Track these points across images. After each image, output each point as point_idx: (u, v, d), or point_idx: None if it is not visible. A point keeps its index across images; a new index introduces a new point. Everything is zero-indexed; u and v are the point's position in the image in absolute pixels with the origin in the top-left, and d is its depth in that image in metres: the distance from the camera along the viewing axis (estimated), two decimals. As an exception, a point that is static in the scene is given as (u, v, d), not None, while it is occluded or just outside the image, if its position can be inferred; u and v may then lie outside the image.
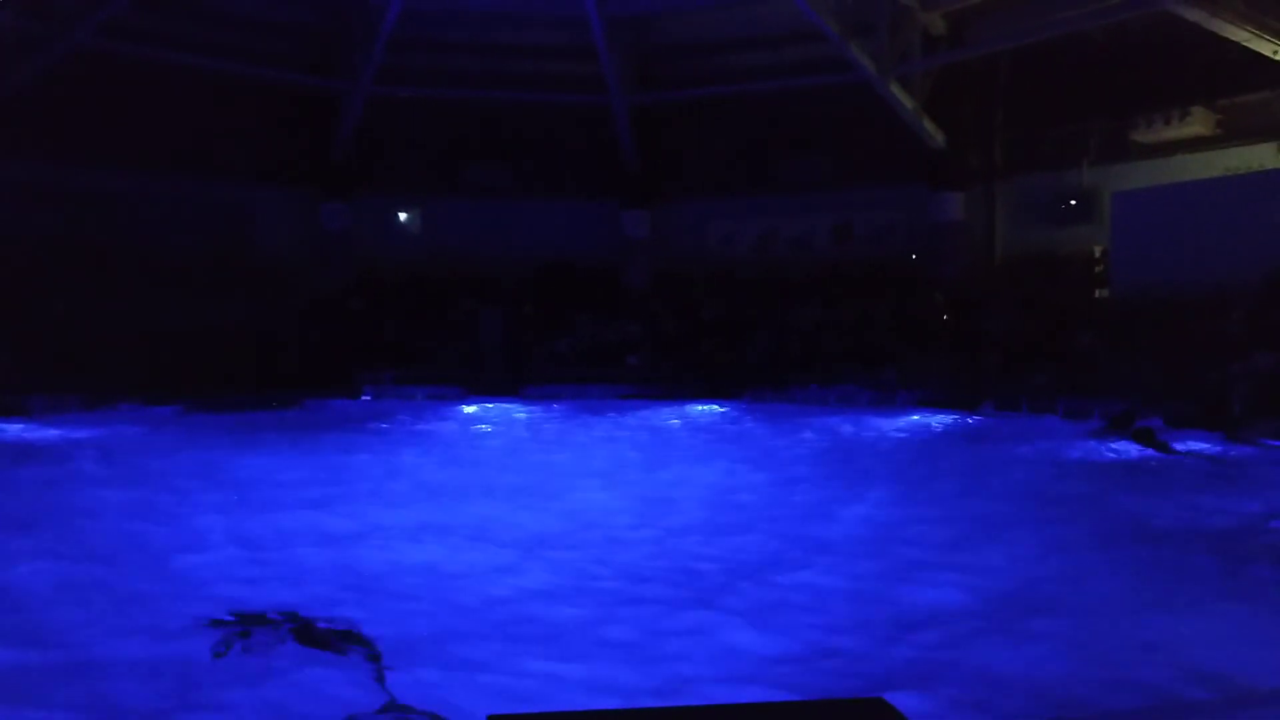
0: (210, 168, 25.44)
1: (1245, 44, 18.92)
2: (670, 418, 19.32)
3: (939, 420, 18.35)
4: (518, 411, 20.79)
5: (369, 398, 23.07)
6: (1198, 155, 21.18)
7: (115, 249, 23.63)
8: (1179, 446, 13.86)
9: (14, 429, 16.96)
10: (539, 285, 27.35)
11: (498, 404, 22.10)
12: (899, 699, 2.90)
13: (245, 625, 5.65)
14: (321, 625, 5.68)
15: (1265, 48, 18.92)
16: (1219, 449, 13.67)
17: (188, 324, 21.90)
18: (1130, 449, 13.89)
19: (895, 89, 24.10)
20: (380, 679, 4.87)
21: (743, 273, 26.84)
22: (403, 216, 28.81)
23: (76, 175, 23.71)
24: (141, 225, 24.62)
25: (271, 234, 27.04)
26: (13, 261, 21.89)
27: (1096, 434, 15.34)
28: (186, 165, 24.96)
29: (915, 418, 18.79)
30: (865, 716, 2.58)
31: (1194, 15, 18.54)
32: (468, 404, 22.14)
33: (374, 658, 5.16)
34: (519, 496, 10.32)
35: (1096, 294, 22.63)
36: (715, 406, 21.38)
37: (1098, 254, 22.92)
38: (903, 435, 16.40)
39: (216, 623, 5.70)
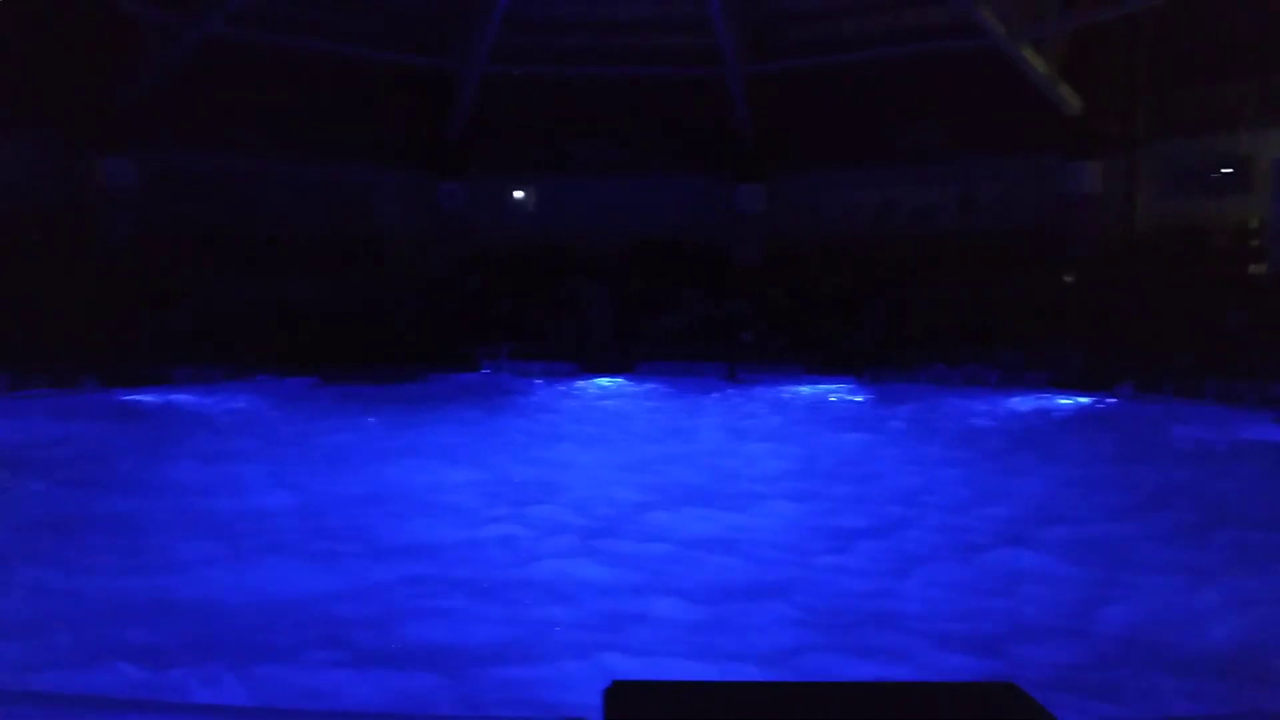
0: (333, 150, 26.19)
1: None
2: (804, 401, 18.72)
3: (1082, 401, 17.63)
4: (639, 390, 20.62)
5: (488, 372, 23.47)
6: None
7: (247, 230, 24.63)
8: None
9: (162, 397, 17.96)
10: (649, 261, 27.23)
11: (617, 381, 22.16)
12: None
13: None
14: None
15: None
16: None
17: (316, 300, 22.71)
18: None
19: (1027, 52, 22.84)
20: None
21: (860, 247, 26.08)
22: (517, 195, 29.08)
23: (209, 160, 24.76)
24: (270, 207, 25.57)
25: (391, 213, 27.71)
26: (155, 243, 23.13)
27: None
28: (311, 148, 25.75)
29: (1063, 400, 18.09)
30: (995, 699, 2.53)
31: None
32: (588, 380, 22.27)
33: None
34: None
35: (1250, 270, 21.03)
36: (836, 386, 20.91)
37: (1254, 226, 21.27)
38: (1072, 423, 15.63)
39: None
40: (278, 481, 10.50)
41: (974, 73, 23.91)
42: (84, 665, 5.25)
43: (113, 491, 9.81)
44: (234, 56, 23.63)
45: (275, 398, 18.33)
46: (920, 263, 24.54)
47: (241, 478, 10.63)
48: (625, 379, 22.50)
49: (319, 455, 12.30)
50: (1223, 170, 21.53)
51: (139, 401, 17.52)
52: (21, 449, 12.58)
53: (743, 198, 27.79)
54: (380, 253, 26.40)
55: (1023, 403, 17.96)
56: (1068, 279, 22.98)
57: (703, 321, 25.29)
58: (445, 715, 4.78)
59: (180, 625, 5.95)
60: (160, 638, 5.72)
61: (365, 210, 27.35)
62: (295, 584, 6.84)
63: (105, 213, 23.35)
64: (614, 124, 28.25)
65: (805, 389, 20.58)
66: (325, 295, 22.98)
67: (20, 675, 5.16)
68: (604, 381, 22.08)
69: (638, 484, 10.51)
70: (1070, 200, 23.91)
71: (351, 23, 25.64)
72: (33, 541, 7.95)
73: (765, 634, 5.99)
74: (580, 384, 21.63)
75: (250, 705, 4.62)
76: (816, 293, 25.23)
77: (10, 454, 12.33)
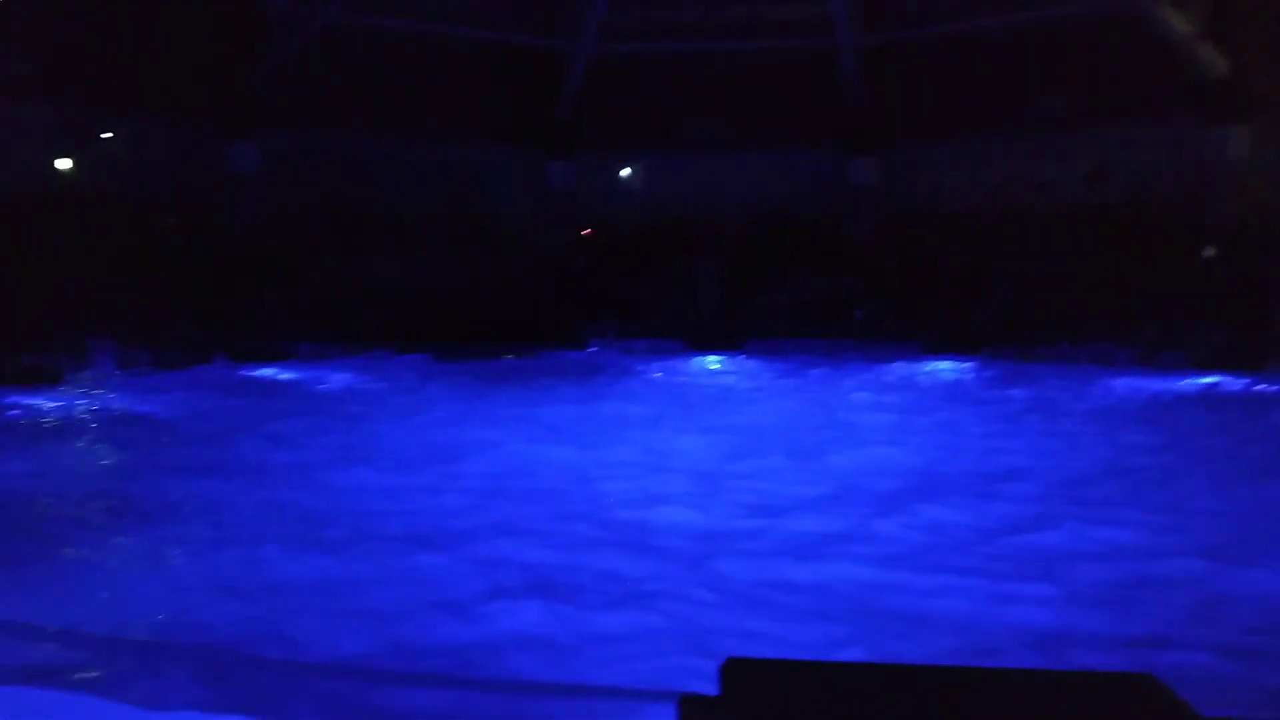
0: (445, 131, 26.62)
1: None
2: (927, 382, 18.12)
3: (1230, 383, 16.62)
4: (749, 368, 20.39)
5: (596, 350, 23.53)
6: None
7: (364, 210, 25.29)
8: None
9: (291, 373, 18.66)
10: (758, 238, 26.80)
11: (726, 358, 21.94)
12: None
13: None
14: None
15: None
16: None
17: (429, 279, 23.15)
18: None
19: (1167, 11, 21.41)
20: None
21: (981, 221, 25.00)
22: (624, 172, 29.00)
23: (327, 143, 25.47)
24: (385, 187, 26.18)
25: (501, 192, 28.02)
26: (278, 224, 23.98)
27: None
28: (423, 129, 26.24)
29: (1206, 380, 17.07)
30: (1132, 690, 2.48)
31: None
32: (696, 358, 22.11)
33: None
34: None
35: None
36: (956, 365, 20.20)
37: None
38: (1227, 407, 14.69)
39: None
40: (393, 454, 10.66)
41: (1106, 35, 22.60)
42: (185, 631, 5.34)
43: (234, 467, 10.07)
44: (350, 40, 24.22)
45: (389, 373, 18.82)
46: (1047, 237, 23.36)
47: (356, 450, 10.88)
48: (734, 356, 22.23)
49: (431, 430, 12.42)
50: (1392, 132, 19.79)
51: (263, 377, 18.22)
52: (167, 421, 13.19)
53: (856, 171, 27.02)
54: (491, 231, 26.75)
55: (1161, 384, 16.96)
56: (1209, 252, 21.55)
57: (814, 298, 24.76)
58: (539, 683, 4.67)
59: (269, 604, 5.94)
60: (247, 613, 5.75)
61: (476, 189, 27.74)
62: (408, 558, 6.85)
63: (231, 195, 24.30)
64: (723, 99, 27.81)
65: (924, 368, 19.93)
66: (438, 273, 23.40)
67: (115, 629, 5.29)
68: (712, 359, 21.88)
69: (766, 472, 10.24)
70: (1213, 168, 22.38)
71: (461, 4, 25.92)
72: (159, 507, 8.21)
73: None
74: (688, 362, 21.49)
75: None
76: (933, 269, 24.33)
77: (157, 424, 12.95)
